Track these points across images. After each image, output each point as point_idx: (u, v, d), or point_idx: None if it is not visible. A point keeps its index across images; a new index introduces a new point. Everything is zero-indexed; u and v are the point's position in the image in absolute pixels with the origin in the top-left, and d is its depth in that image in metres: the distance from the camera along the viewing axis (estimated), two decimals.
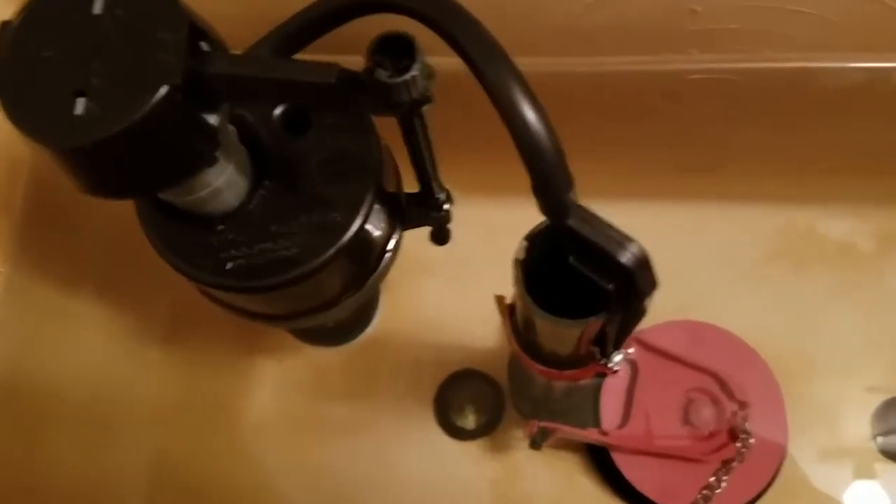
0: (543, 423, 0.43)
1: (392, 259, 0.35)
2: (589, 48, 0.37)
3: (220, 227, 0.30)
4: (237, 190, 0.30)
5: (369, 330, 0.51)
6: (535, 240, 0.27)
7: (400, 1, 0.23)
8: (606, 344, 0.30)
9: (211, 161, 0.26)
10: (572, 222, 0.24)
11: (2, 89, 0.23)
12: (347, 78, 0.24)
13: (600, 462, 0.46)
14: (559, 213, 0.23)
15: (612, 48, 0.37)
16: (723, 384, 0.45)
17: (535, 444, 0.45)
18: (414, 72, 0.23)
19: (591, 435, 0.44)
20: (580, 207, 0.24)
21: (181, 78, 0.22)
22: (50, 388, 0.48)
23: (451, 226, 0.35)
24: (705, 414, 0.44)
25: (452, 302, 0.50)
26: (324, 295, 0.34)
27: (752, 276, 0.49)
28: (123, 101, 0.22)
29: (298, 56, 0.28)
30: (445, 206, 0.34)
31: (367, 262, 0.34)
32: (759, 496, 0.44)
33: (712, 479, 0.44)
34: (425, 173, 0.31)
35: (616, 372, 0.32)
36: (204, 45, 0.24)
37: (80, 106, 0.22)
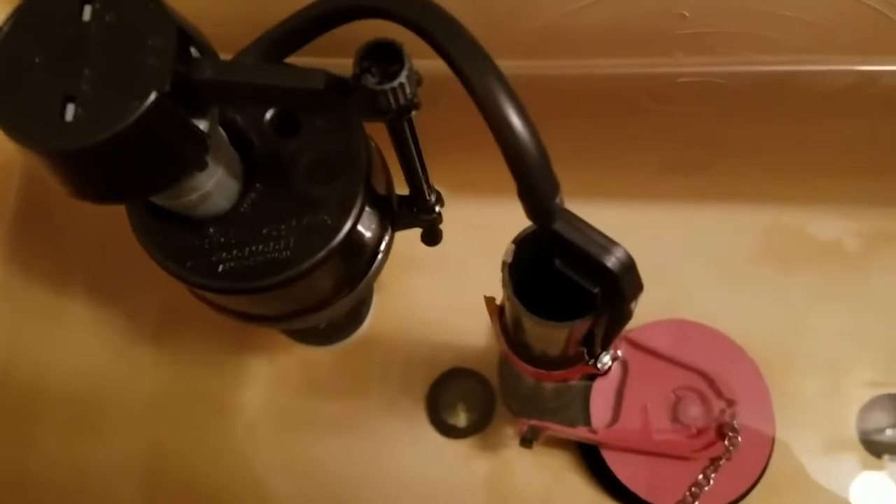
0: (533, 422, 0.43)
1: (383, 260, 0.36)
2: (576, 51, 0.37)
3: (212, 230, 0.31)
4: (228, 193, 0.30)
5: (361, 329, 0.51)
6: (522, 243, 0.27)
7: (387, 7, 0.24)
8: (594, 345, 0.30)
9: (201, 165, 0.26)
10: (558, 226, 0.24)
11: None
12: (335, 84, 0.24)
13: (590, 460, 0.46)
14: (545, 217, 0.24)
15: (599, 51, 0.37)
16: (711, 382, 0.45)
17: (526, 442, 0.45)
18: (402, 79, 0.23)
19: (580, 433, 0.45)
20: (566, 212, 0.24)
21: (170, 84, 0.23)
22: (41, 386, 0.48)
23: (443, 226, 0.36)
24: (693, 412, 0.45)
25: (444, 301, 0.50)
26: (316, 296, 0.35)
27: (740, 276, 0.50)
28: (113, 106, 0.22)
29: (289, 59, 0.28)
30: (436, 208, 0.34)
31: (358, 263, 0.34)
32: (746, 493, 0.45)
33: (700, 476, 0.44)
34: (415, 176, 0.31)
35: (605, 373, 0.33)
36: (193, 51, 0.24)
37: (69, 112, 0.23)
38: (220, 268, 0.30)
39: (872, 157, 0.45)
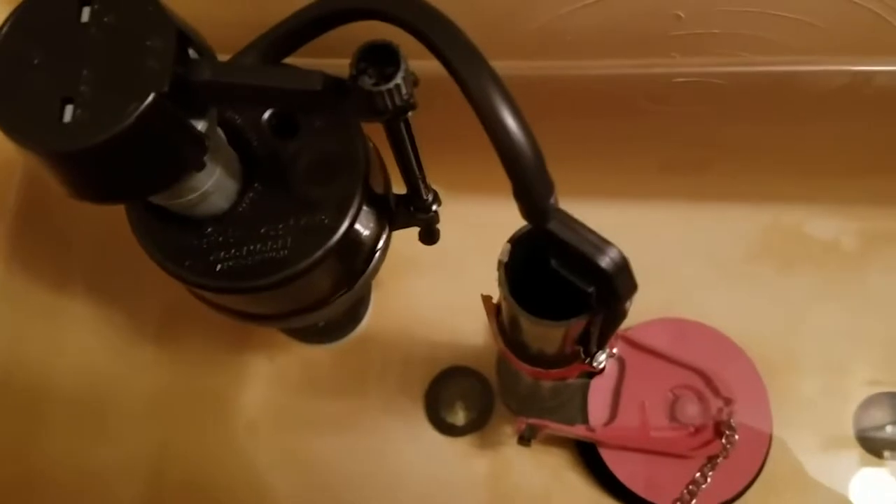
0: (532, 420, 0.43)
1: (381, 259, 0.36)
2: (573, 52, 0.37)
3: (210, 230, 0.31)
4: (227, 192, 0.31)
5: (360, 328, 0.51)
6: (518, 242, 0.27)
7: (384, 9, 0.24)
8: (590, 343, 0.30)
9: (199, 166, 0.26)
10: (553, 226, 0.24)
11: None
12: (332, 85, 0.24)
13: (588, 458, 0.47)
14: (540, 217, 0.24)
15: (596, 52, 0.37)
16: (708, 381, 0.45)
17: (524, 441, 0.45)
18: (398, 80, 0.23)
19: (578, 431, 0.45)
20: (561, 212, 0.24)
21: (168, 85, 0.23)
22: (42, 386, 0.48)
23: (440, 224, 0.36)
24: (691, 410, 0.45)
25: (442, 299, 0.50)
26: (314, 295, 0.35)
27: (738, 275, 0.50)
28: (111, 108, 0.23)
29: (287, 60, 0.28)
30: (433, 208, 0.34)
31: (356, 262, 0.35)
32: (743, 491, 0.45)
33: (698, 474, 0.44)
34: (412, 176, 0.31)
35: (601, 371, 0.33)
36: (191, 53, 0.24)
37: (68, 113, 0.23)
38: (219, 267, 0.30)
39: (869, 156, 0.46)
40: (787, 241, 0.50)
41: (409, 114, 0.26)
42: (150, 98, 0.23)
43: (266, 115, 0.32)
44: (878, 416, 0.47)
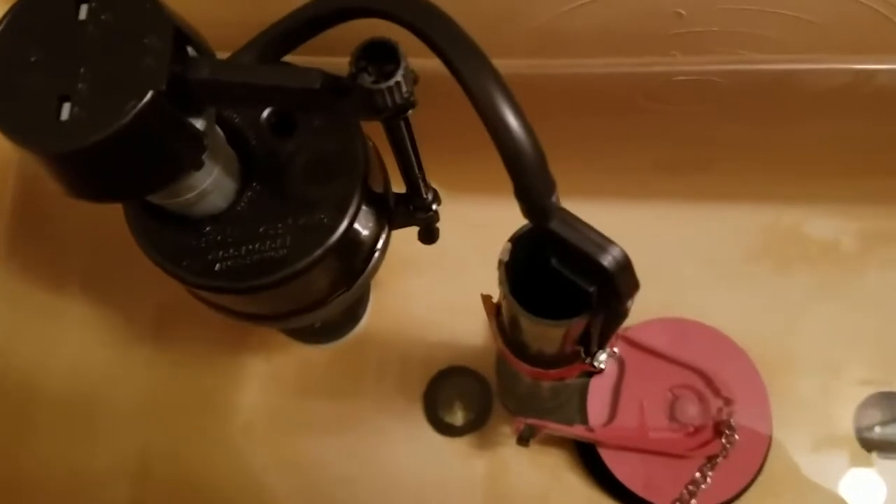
0: (530, 420, 0.43)
1: (380, 259, 0.36)
2: (573, 50, 0.37)
3: (209, 229, 0.31)
4: (225, 192, 0.30)
5: (358, 328, 0.51)
6: (519, 241, 0.27)
7: (384, 7, 0.24)
8: (591, 343, 0.30)
9: (198, 165, 0.26)
10: (554, 225, 0.24)
11: None
12: (331, 83, 0.24)
13: (587, 458, 0.47)
14: (541, 216, 0.24)
15: (596, 50, 0.37)
16: (708, 381, 0.45)
17: (523, 441, 0.45)
18: (398, 77, 0.23)
19: (577, 431, 0.45)
20: (562, 210, 0.24)
21: (166, 84, 0.23)
22: (37, 386, 0.48)
23: (440, 224, 0.36)
24: (690, 410, 0.45)
25: (441, 299, 0.50)
26: (312, 295, 0.35)
27: (737, 274, 0.50)
28: (109, 106, 0.22)
29: (286, 58, 0.28)
30: (433, 207, 0.34)
31: (355, 262, 0.34)
32: (743, 491, 0.45)
33: (697, 474, 0.44)
34: (412, 175, 0.31)
35: (602, 371, 0.33)
36: (189, 51, 0.24)
37: (65, 111, 0.23)
38: (217, 267, 0.30)
39: (869, 156, 0.46)
40: (787, 240, 0.50)
41: (409, 112, 0.26)
42: (148, 96, 0.22)
43: (265, 113, 0.32)
44: (877, 415, 0.47)
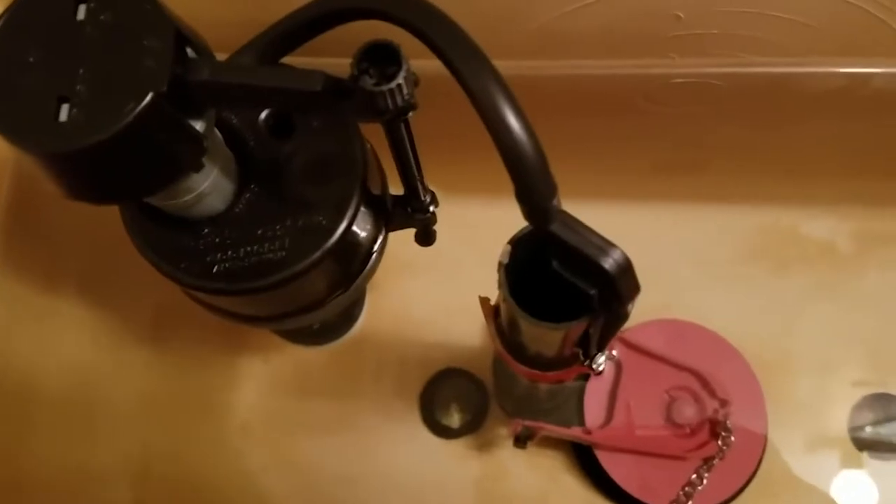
0: (527, 422, 0.43)
1: (377, 260, 0.35)
2: (572, 52, 0.37)
3: (206, 231, 0.31)
4: (223, 193, 0.30)
5: (355, 329, 0.51)
6: (518, 244, 0.27)
7: (384, 8, 0.24)
8: (590, 346, 0.30)
9: (197, 167, 0.26)
10: (555, 228, 0.24)
11: None
12: (332, 85, 0.24)
13: (584, 460, 0.47)
14: (542, 219, 0.24)
15: (594, 52, 0.37)
16: (704, 382, 0.45)
17: (520, 443, 0.45)
18: (399, 80, 0.23)
19: (574, 433, 0.45)
20: (563, 213, 0.24)
21: (166, 85, 0.22)
22: (34, 386, 0.48)
23: (436, 226, 0.36)
24: (687, 412, 0.45)
25: (437, 301, 0.50)
26: (310, 297, 0.34)
27: (734, 276, 0.50)
28: (108, 108, 0.22)
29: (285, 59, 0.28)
30: (431, 209, 0.34)
31: (353, 263, 0.34)
32: (739, 492, 0.45)
33: (694, 475, 0.44)
34: (410, 177, 0.31)
35: (600, 373, 0.33)
36: (189, 52, 0.24)
37: (64, 112, 0.22)
38: (215, 269, 0.30)
39: (865, 158, 0.46)
40: (783, 242, 0.50)
41: (410, 114, 0.26)
42: (149, 98, 0.22)
43: (263, 115, 0.32)
44: (872, 416, 0.47)
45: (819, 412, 0.47)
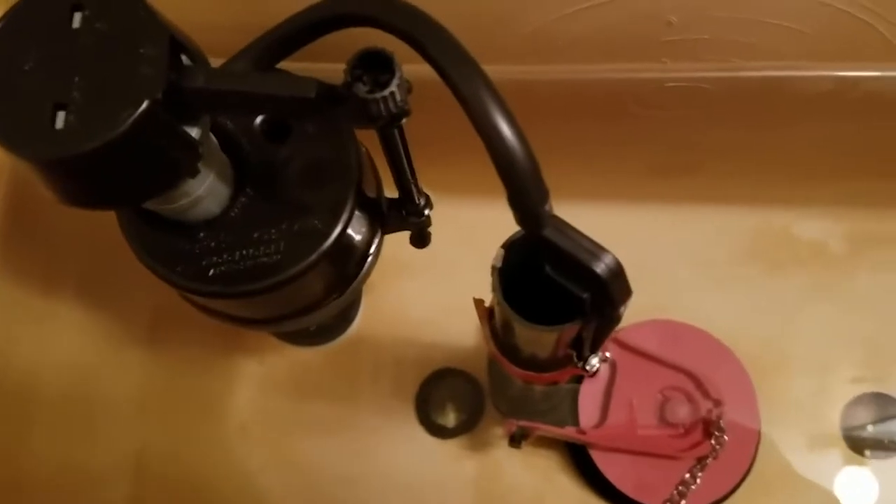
0: (522, 422, 0.43)
1: (373, 263, 0.36)
2: (565, 56, 0.37)
3: (203, 234, 0.31)
4: (219, 198, 0.31)
5: (351, 330, 0.51)
6: (512, 247, 0.27)
7: (376, 15, 0.24)
8: (583, 348, 0.31)
9: (192, 172, 0.26)
10: (548, 233, 0.24)
11: None
12: (326, 92, 0.24)
13: (579, 460, 0.47)
14: (535, 223, 0.24)
15: (587, 57, 0.37)
16: (698, 382, 0.46)
17: (515, 443, 0.45)
18: (392, 87, 0.23)
19: (569, 433, 0.45)
20: (555, 218, 0.24)
21: (162, 92, 0.23)
22: (33, 388, 0.48)
23: (432, 228, 0.36)
24: (681, 412, 0.45)
25: (433, 301, 0.50)
26: (306, 299, 0.35)
27: (728, 277, 0.50)
28: (104, 115, 0.22)
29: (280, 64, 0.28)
30: (425, 212, 0.34)
31: (348, 266, 0.35)
32: (733, 491, 0.45)
33: (688, 475, 0.45)
34: (405, 181, 0.31)
35: (594, 375, 0.33)
36: (184, 59, 0.24)
37: (60, 119, 0.23)
38: (211, 272, 0.30)
39: (857, 159, 0.46)
40: (776, 243, 0.51)
41: (403, 120, 0.26)
42: (144, 105, 0.22)
43: (258, 120, 0.32)
44: (864, 415, 0.47)
45: (812, 411, 0.48)
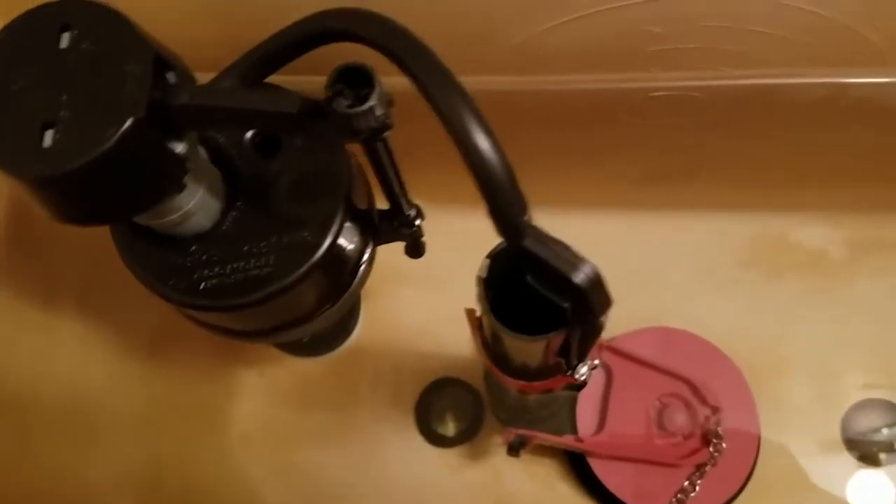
0: (521, 431, 0.43)
1: (366, 274, 0.36)
2: (553, 67, 0.37)
3: (194, 248, 0.31)
4: (210, 212, 0.31)
5: (350, 340, 0.51)
6: (496, 258, 0.28)
7: (356, 31, 0.24)
8: (570, 356, 0.31)
9: (179, 188, 0.27)
10: (528, 243, 0.24)
11: None
12: (309, 107, 0.24)
13: (578, 468, 0.47)
14: (514, 234, 0.24)
15: (575, 67, 0.37)
16: (695, 390, 0.46)
17: (513, 451, 0.45)
18: (372, 101, 0.24)
19: (567, 441, 0.45)
20: (535, 228, 0.25)
21: (146, 110, 0.23)
22: (34, 400, 0.49)
23: (427, 236, 0.36)
24: (679, 419, 0.45)
25: (431, 311, 0.51)
26: (299, 311, 0.35)
27: (725, 284, 0.50)
28: (90, 133, 0.23)
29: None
30: (417, 223, 0.35)
31: (340, 278, 0.35)
32: (732, 498, 0.45)
33: (686, 482, 0.45)
34: (393, 192, 0.32)
35: (585, 383, 0.33)
36: (170, 76, 0.25)
37: (48, 138, 0.23)
38: (203, 285, 0.31)
39: (852, 165, 0.46)
40: (774, 249, 0.51)
41: (386, 133, 0.26)
42: (128, 122, 0.23)
43: (249, 134, 0.32)
44: (865, 421, 0.47)
45: (812, 417, 0.47)
